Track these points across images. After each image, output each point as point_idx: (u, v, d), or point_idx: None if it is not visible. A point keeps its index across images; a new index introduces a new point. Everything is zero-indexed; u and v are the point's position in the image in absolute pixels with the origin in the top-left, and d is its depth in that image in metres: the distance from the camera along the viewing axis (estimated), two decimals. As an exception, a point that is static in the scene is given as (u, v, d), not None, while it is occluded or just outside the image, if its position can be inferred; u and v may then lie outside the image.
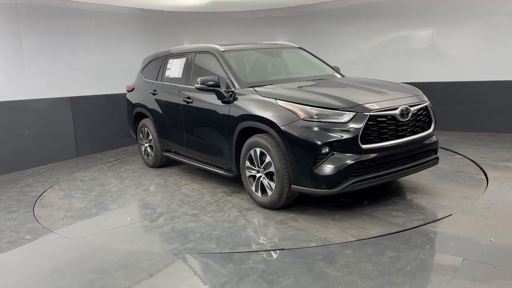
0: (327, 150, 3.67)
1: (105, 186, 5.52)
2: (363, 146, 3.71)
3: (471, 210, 3.87)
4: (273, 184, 4.04)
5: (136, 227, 4.06)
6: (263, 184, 4.21)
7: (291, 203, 4.14)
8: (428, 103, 4.30)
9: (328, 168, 3.66)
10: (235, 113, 4.39)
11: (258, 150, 4.16)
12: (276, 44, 5.78)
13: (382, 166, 3.88)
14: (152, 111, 5.97)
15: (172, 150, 5.84)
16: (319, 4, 8.77)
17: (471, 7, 7.33)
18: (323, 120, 3.71)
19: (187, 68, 5.39)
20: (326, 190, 3.70)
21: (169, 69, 5.83)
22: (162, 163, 6.21)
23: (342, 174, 3.66)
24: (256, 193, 4.29)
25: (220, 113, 4.59)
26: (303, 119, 3.76)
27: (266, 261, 3.12)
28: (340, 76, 5.36)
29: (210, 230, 3.81)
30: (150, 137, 6.14)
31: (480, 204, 4.01)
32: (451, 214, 3.82)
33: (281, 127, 3.84)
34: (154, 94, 5.91)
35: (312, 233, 3.59)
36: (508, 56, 7.04)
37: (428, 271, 2.86)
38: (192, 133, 5.24)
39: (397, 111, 3.89)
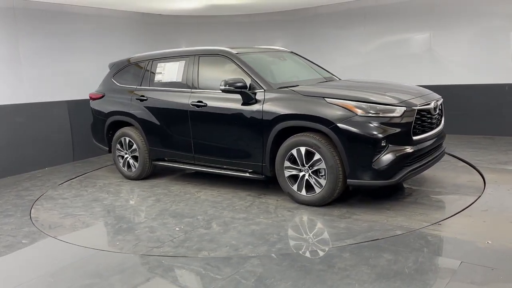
0: (384, 143, 3.90)
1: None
2: (414, 138, 4.08)
3: (468, 213, 3.87)
4: (322, 181, 4.16)
5: (199, 234, 3.80)
6: (308, 183, 4.27)
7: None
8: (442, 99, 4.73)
9: (386, 160, 3.90)
10: (271, 113, 4.39)
11: (303, 148, 4.22)
12: (270, 48, 5.76)
13: (423, 156, 4.29)
14: (140, 119, 5.55)
15: (166, 158, 5.53)
16: (316, 8, 8.80)
17: (467, 11, 7.36)
18: (380, 115, 3.95)
19: (189, 71, 5.20)
20: (385, 181, 3.97)
21: (160, 73, 5.53)
22: (148, 174, 5.81)
23: (398, 165, 3.97)
24: (299, 192, 4.34)
25: (249, 115, 4.54)
26: (359, 115, 3.94)
27: (264, 264, 3.12)
28: (338, 79, 5.45)
29: (283, 231, 3.79)
30: (134, 147, 5.68)
31: (477, 207, 4.01)
32: (449, 217, 3.82)
33: (338, 124, 3.98)
34: (142, 101, 5.54)
35: (385, 222, 3.78)
36: (504, 59, 7.08)
37: (426, 274, 2.85)
38: (203, 138, 5.04)
39: (431, 105, 4.33)
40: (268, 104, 4.44)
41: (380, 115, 3.95)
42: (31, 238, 3.99)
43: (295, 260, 3.14)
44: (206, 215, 4.29)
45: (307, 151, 4.21)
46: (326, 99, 4.15)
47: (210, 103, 4.89)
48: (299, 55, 5.84)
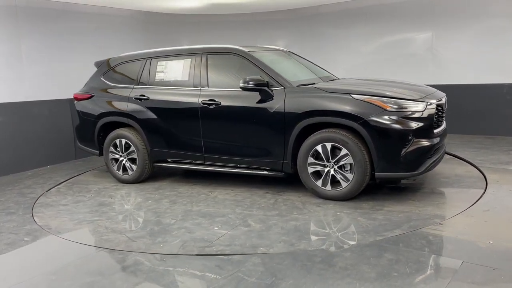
0: (411, 136, 4.08)
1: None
2: (435, 131, 4.30)
3: (470, 212, 3.87)
4: (349, 176, 4.26)
5: (242, 232, 3.76)
6: (333, 178, 4.35)
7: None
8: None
9: (413, 153, 4.10)
10: (296, 110, 4.43)
11: (329, 144, 4.29)
12: (271, 47, 5.74)
13: (438, 150, 4.47)
14: (140, 119, 5.34)
15: (169, 159, 5.37)
16: (318, 7, 8.79)
17: (469, 10, 7.35)
18: (407, 110, 4.13)
19: (197, 70, 5.09)
20: (412, 173, 4.19)
21: (162, 71, 5.36)
22: (146, 176, 5.58)
23: (423, 157, 4.19)
24: (324, 187, 4.42)
25: (270, 112, 4.55)
26: (387, 111, 4.10)
27: (265, 263, 3.12)
28: (337, 78, 5.55)
29: (326, 225, 3.86)
30: (132, 149, 5.46)
31: (479, 207, 4.01)
32: (450, 217, 3.82)
33: (367, 119, 4.11)
34: (141, 100, 5.32)
35: (418, 212, 3.95)
36: (506, 59, 7.06)
37: (427, 273, 2.85)
38: (216, 137, 4.96)
39: (443, 101, 4.58)
40: (291, 101, 4.47)
41: (407, 109, 4.13)
42: (33, 236, 4.00)
43: (296, 259, 3.15)
44: (236, 213, 4.24)
45: (332, 147, 4.29)
46: (352, 95, 4.26)
47: (224, 102, 4.83)
48: (297, 55, 5.86)
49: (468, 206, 4.03)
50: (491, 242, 3.21)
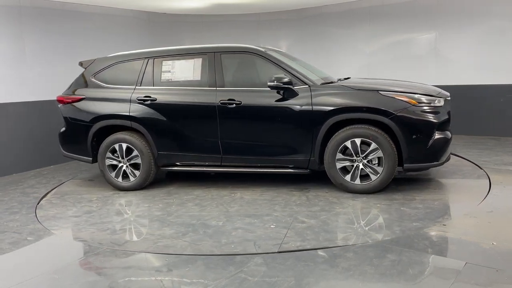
0: (435, 129, 4.41)
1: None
2: (449, 125, 4.65)
3: (473, 213, 3.85)
4: (379, 169, 4.45)
5: (305, 227, 3.76)
6: (362, 172, 4.51)
7: None
8: None
9: (438, 144, 4.43)
10: (324, 108, 4.55)
11: (358, 140, 4.45)
12: (269, 48, 5.67)
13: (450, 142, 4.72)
14: (145, 121, 5.06)
15: (178, 163, 5.16)
16: (322, 8, 8.78)
17: (473, 11, 7.33)
18: (430, 105, 4.44)
19: (211, 69, 4.96)
20: (436, 163, 4.48)
21: (168, 71, 5.17)
22: (149, 183, 5.25)
23: (444, 148, 4.50)
24: (353, 181, 4.55)
25: (297, 110, 4.62)
26: (414, 106, 4.37)
27: (268, 263, 3.12)
28: (334, 79, 5.66)
29: (378, 217, 3.95)
30: (135, 153, 5.12)
31: (482, 208, 3.99)
32: (454, 218, 3.81)
33: (397, 114, 4.34)
34: (145, 101, 5.07)
35: (449, 200, 4.34)
36: (510, 60, 7.03)
37: (430, 274, 2.84)
38: (236, 138, 4.88)
39: (449, 99, 4.80)
40: (319, 99, 4.59)
41: (430, 104, 4.44)
42: (36, 235, 4.01)
43: (298, 259, 3.14)
44: (280, 212, 4.20)
45: (362, 142, 4.45)
46: (380, 92, 4.48)
47: (245, 101, 4.79)
48: (290, 55, 5.86)
49: (471, 207, 4.02)
50: (494, 243, 3.19)
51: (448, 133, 4.59)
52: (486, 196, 4.29)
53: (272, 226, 3.86)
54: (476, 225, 3.61)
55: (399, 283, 2.72)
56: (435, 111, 4.45)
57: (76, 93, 5.48)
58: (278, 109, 4.70)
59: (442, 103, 4.53)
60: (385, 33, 8.20)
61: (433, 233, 3.48)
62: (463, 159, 5.85)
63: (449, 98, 4.77)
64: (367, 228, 3.74)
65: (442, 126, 4.51)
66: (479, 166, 5.40)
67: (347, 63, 8.43)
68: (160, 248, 3.52)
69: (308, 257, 3.17)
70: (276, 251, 3.31)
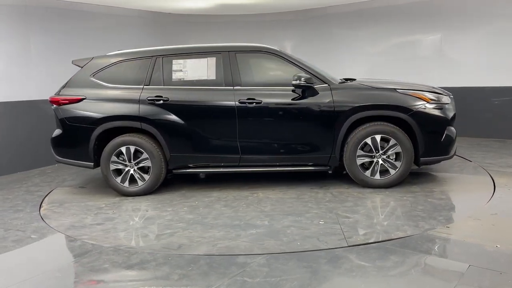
0: (447, 124, 4.73)
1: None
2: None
3: (477, 216, 3.84)
4: (397, 164, 4.68)
5: (355, 221, 3.85)
6: (381, 167, 4.72)
7: None
8: None
9: (449, 139, 4.74)
10: (346, 106, 4.69)
11: (378, 136, 4.65)
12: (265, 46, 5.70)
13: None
14: (157, 122, 4.84)
15: (191, 165, 5.00)
16: (326, 8, 8.77)
17: (478, 12, 7.29)
18: (442, 102, 4.77)
19: (226, 68, 4.89)
20: (447, 156, 4.79)
21: (180, 70, 4.97)
22: (158, 186, 5.00)
23: (453, 142, 4.80)
24: (373, 177, 4.74)
25: (318, 108, 4.74)
26: (429, 102, 4.68)
27: (270, 264, 3.12)
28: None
29: (413, 209, 4.07)
30: (144, 156, 4.85)
31: (486, 210, 3.97)
32: (457, 220, 3.80)
33: (415, 111, 4.61)
34: (157, 101, 4.84)
35: (465, 192, 4.63)
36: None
37: (433, 276, 2.84)
38: (256, 137, 4.85)
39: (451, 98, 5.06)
40: (340, 97, 4.73)
41: (442, 101, 4.77)
42: (40, 233, 4.03)
43: (301, 260, 3.14)
44: (316, 209, 4.20)
45: (381, 138, 4.65)
46: (398, 90, 4.74)
47: (265, 100, 4.78)
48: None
49: (475, 209, 4.01)
50: (498, 245, 3.18)
51: (454, 129, 4.84)
52: (491, 198, 4.27)
53: (321, 222, 3.87)
54: (480, 227, 3.59)
55: (401, 285, 2.71)
56: (446, 108, 4.77)
57: (73, 93, 5.09)
58: (299, 108, 4.78)
59: (449, 100, 4.83)
60: (390, 34, 8.18)
61: (436, 235, 3.46)
62: (467, 161, 5.83)
63: (452, 97, 5.00)
64: (410, 221, 3.79)
65: (452, 121, 4.82)
66: (483, 168, 5.37)
67: (352, 64, 8.41)
68: (222, 249, 3.40)
69: (311, 258, 3.16)
70: (346, 245, 3.35)
